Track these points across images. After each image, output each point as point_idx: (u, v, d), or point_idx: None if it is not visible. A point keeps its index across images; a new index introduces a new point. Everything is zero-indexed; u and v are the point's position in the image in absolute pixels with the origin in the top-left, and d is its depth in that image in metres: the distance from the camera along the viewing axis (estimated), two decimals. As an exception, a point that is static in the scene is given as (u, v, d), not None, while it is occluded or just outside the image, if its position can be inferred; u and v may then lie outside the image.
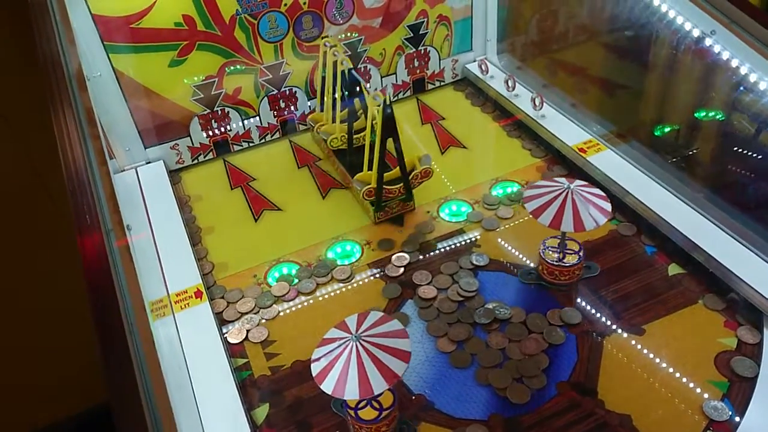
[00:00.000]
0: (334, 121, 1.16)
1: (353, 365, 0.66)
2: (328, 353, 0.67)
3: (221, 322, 0.92)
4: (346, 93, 1.11)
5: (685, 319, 0.87)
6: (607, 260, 0.96)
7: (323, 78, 1.18)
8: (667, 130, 1.21)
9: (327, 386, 0.65)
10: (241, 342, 0.89)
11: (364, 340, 0.67)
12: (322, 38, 1.21)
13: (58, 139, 0.63)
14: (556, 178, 0.89)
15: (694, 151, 1.15)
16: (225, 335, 0.90)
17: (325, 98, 1.18)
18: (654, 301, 0.89)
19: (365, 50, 1.28)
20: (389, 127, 0.97)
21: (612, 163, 1.09)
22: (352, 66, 1.09)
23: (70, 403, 1.72)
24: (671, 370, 0.81)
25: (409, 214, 1.08)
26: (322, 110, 1.22)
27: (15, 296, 1.56)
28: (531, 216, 0.86)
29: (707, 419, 0.74)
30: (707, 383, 0.78)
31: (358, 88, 1.08)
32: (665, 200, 1.01)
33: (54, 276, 1.48)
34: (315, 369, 0.67)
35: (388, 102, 0.95)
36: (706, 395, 0.77)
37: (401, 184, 1.04)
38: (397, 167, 1.03)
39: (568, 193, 0.86)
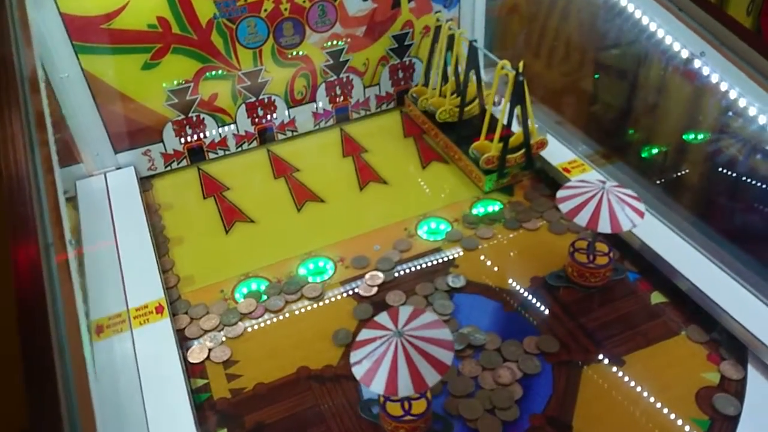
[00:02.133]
0: (440, 95, 1.21)
1: (402, 361, 0.65)
2: (370, 354, 0.66)
3: (183, 339, 0.88)
4: (463, 66, 1.15)
5: (667, 351, 0.83)
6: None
7: (431, 52, 1.22)
8: (654, 151, 1.18)
9: (377, 386, 0.64)
10: (202, 362, 0.85)
11: (408, 335, 0.66)
12: (435, 13, 1.26)
13: (0, 144, 0.58)
14: (588, 179, 0.88)
15: (681, 174, 1.13)
16: (186, 354, 0.85)
17: (433, 72, 1.23)
18: (635, 330, 0.86)
19: (348, 60, 1.24)
20: (520, 95, 1.02)
21: (596, 184, 1.06)
22: (473, 38, 1.13)
23: None
24: (651, 404, 0.77)
25: (381, 232, 1.04)
26: (426, 85, 1.26)
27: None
28: (566, 217, 0.85)
29: (687, 460, 0.71)
30: (688, 420, 0.75)
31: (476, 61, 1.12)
32: (650, 225, 0.97)
33: None
34: (359, 372, 0.65)
35: (520, 69, 1.00)
36: (686, 433, 0.73)
37: (520, 152, 1.07)
38: (518, 133, 1.07)
39: (603, 193, 0.85)
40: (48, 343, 0.47)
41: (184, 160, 1.21)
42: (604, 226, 0.83)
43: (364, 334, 0.69)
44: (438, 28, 1.21)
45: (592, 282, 0.90)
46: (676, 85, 1.07)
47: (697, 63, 0.94)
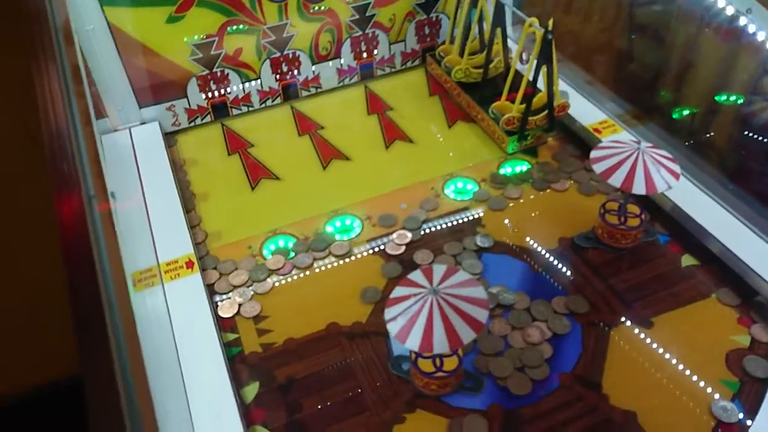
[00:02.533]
0: (461, 54, 1.18)
1: (437, 319, 0.65)
2: (404, 311, 0.66)
3: (212, 294, 0.88)
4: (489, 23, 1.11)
5: (696, 314, 0.83)
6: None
7: (456, 8, 1.20)
8: (687, 112, 1.15)
9: (412, 343, 0.64)
10: (233, 316, 0.86)
11: (443, 293, 0.67)
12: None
13: (39, 97, 0.58)
14: (622, 139, 0.87)
15: (715, 135, 1.10)
16: (216, 309, 0.86)
17: (457, 29, 1.20)
18: (665, 292, 0.86)
19: (374, 15, 1.22)
20: (547, 55, 0.99)
21: (627, 145, 1.04)
22: None
23: (40, 373, 1.68)
24: (680, 366, 0.77)
25: (408, 191, 1.03)
26: (453, 42, 1.22)
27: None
28: (600, 177, 0.84)
29: (716, 420, 0.71)
30: (717, 382, 0.75)
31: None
32: (682, 187, 0.96)
33: (27, 243, 1.43)
34: (394, 329, 0.66)
35: (549, 28, 0.97)
36: (715, 395, 0.74)
37: (542, 114, 1.04)
38: (540, 94, 1.04)
39: (639, 154, 0.83)
40: (96, 290, 0.48)
41: (208, 116, 1.20)
42: (639, 188, 0.81)
43: (398, 291, 0.69)
44: None
45: (623, 244, 0.90)
46: (715, 43, 1.04)
47: (742, 20, 0.91)
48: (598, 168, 0.84)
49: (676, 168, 0.84)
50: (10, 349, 1.51)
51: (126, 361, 0.50)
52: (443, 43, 1.29)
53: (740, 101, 1.13)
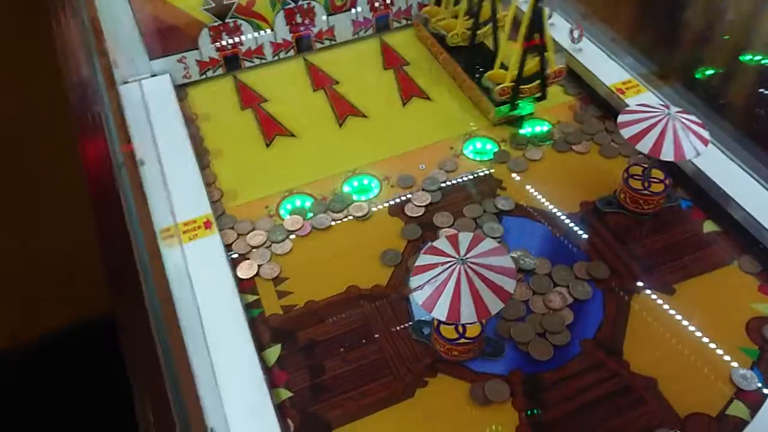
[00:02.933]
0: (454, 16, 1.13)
1: (465, 288, 0.64)
2: (432, 280, 0.66)
3: (230, 255, 0.88)
4: None
5: (717, 281, 0.83)
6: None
7: None
8: (711, 72, 1.13)
9: (439, 312, 0.64)
10: (252, 278, 0.85)
11: (471, 262, 0.66)
12: None
13: (60, 52, 0.56)
14: (650, 104, 0.85)
15: (742, 98, 1.08)
16: (236, 270, 0.86)
17: None
18: (686, 259, 0.85)
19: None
20: (537, 21, 0.94)
21: (651, 106, 1.02)
22: None
23: (72, 311, 1.72)
24: (700, 334, 0.77)
25: (427, 152, 1.02)
26: (438, 4, 1.18)
27: (22, 202, 1.52)
28: (627, 142, 0.82)
29: (735, 387, 0.72)
30: (737, 350, 0.75)
31: None
32: (705, 151, 0.95)
33: (56, 183, 1.43)
34: (420, 297, 0.65)
35: None
36: (735, 363, 0.74)
37: (535, 83, 1.00)
38: (534, 62, 0.99)
39: (668, 119, 0.82)
40: (125, 231, 0.47)
41: (220, 69, 1.17)
42: (668, 154, 0.80)
43: (424, 259, 0.68)
44: None
45: (645, 209, 0.89)
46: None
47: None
48: (626, 133, 0.82)
49: (706, 134, 0.82)
50: (46, 289, 1.55)
51: (160, 314, 0.50)
52: (427, 4, 1.23)
53: (766, 61, 1.10)
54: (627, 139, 0.82)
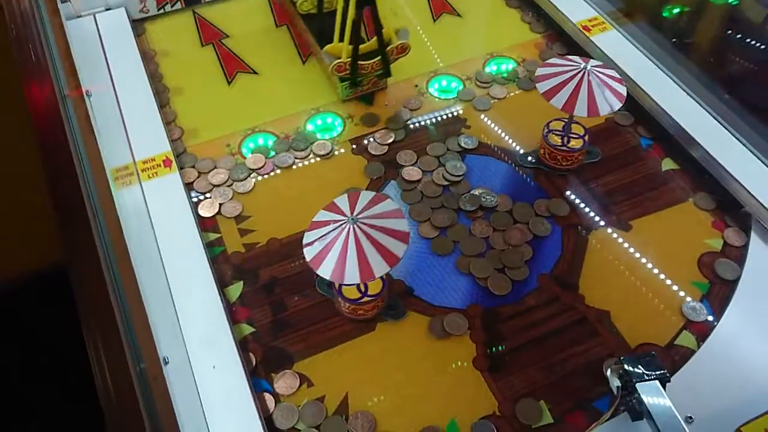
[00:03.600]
0: None
1: (352, 249, 0.63)
2: (322, 237, 0.64)
3: (191, 193, 0.87)
4: None
5: (673, 218, 0.85)
6: (601, 151, 0.92)
7: None
8: (677, 11, 1.12)
9: (324, 271, 0.63)
10: (214, 216, 0.85)
11: (362, 222, 0.64)
12: None
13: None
14: (571, 57, 0.82)
15: (706, 37, 1.08)
16: (197, 208, 0.85)
17: None
18: (644, 196, 0.87)
19: None
20: None
21: (616, 44, 1.02)
22: None
23: (25, 259, 1.69)
24: (653, 268, 0.80)
25: (391, 90, 1.00)
26: None
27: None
28: (543, 97, 0.80)
29: (684, 319, 0.75)
30: (688, 284, 0.78)
31: None
32: (667, 89, 0.95)
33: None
34: (309, 254, 0.64)
35: None
36: (686, 296, 0.77)
37: (376, 59, 0.94)
38: (374, 38, 0.92)
39: (584, 74, 0.80)
40: (75, 179, 0.46)
41: (179, 3, 1.13)
42: (581, 110, 0.78)
43: (321, 215, 0.66)
44: None
45: (564, 165, 0.88)
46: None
47: None
48: (542, 87, 0.80)
49: (622, 90, 0.80)
50: None
51: (112, 252, 0.50)
52: None
53: (732, 1, 1.09)
54: (542, 94, 0.80)
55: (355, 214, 0.65)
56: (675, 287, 0.78)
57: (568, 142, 0.87)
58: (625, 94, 0.80)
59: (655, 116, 0.93)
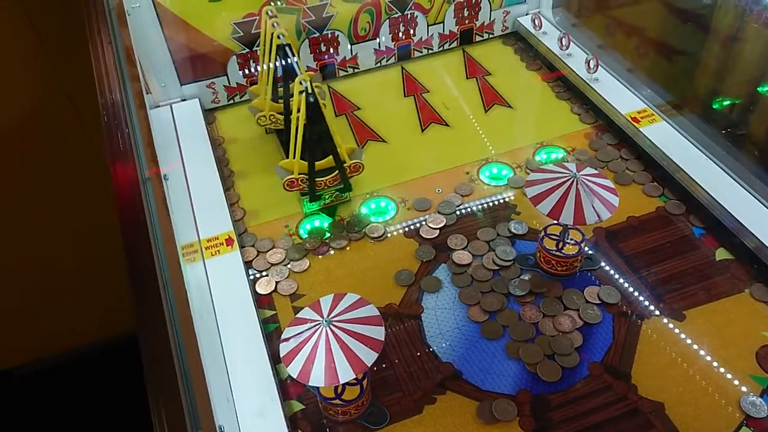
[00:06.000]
0: (275, 99, 1.06)
1: (321, 351, 0.64)
2: (297, 334, 0.65)
3: (250, 271, 0.91)
4: (281, 71, 1.01)
5: (729, 308, 0.83)
6: (652, 239, 0.92)
7: (263, 50, 1.04)
8: (727, 103, 1.14)
9: (293, 369, 0.63)
10: (270, 293, 0.88)
11: (335, 325, 0.65)
12: (266, 4, 1.10)
13: (96, 76, 0.60)
14: (564, 164, 0.83)
15: (756, 128, 1.09)
16: (254, 285, 0.89)
17: (262, 73, 1.07)
18: (698, 286, 0.86)
19: (413, -4, 1.21)
20: (314, 116, 0.89)
21: (666, 135, 1.04)
22: (288, 42, 0.99)
23: (97, 330, 1.77)
24: (710, 360, 0.78)
25: (443, 176, 1.04)
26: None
27: (45, 218, 1.58)
28: (530, 203, 0.80)
29: (744, 414, 0.72)
30: (747, 377, 0.76)
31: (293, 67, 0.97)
32: (719, 180, 0.96)
33: (85, 204, 1.49)
34: (283, 349, 0.65)
35: (310, 90, 0.87)
36: (744, 389, 0.74)
37: (332, 175, 0.96)
38: (329, 157, 0.95)
39: (573, 182, 0.80)
40: (150, 256, 0.50)
41: (247, 94, 1.22)
42: (567, 218, 0.78)
43: (304, 312, 0.68)
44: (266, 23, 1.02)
45: (559, 270, 0.87)
46: (759, 31, 1.02)
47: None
48: (530, 192, 0.81)
49: (614, 200, 0.80)
50: (72, 307, 1.60)
51: (178, 324, 0.53)
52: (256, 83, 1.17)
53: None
54: (530, 199, 0.81)
55: (331, 316, 0.66)
56: (733, 380, 0.75)
57: (563, 247, 0.86)
58: (616, 204, 0.80)
59: (707, 206, 0.94)
